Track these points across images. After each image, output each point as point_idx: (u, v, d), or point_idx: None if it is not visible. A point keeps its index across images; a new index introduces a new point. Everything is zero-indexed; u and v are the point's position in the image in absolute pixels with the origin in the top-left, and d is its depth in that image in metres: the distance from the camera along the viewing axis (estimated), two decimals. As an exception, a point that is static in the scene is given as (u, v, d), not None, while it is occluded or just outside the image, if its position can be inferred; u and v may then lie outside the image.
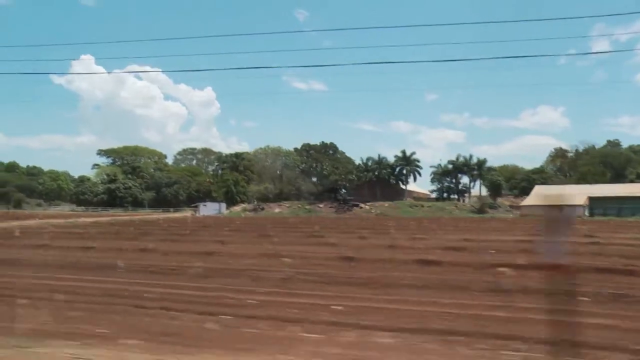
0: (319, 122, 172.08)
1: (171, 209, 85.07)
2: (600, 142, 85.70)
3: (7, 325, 8.33)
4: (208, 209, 69.60)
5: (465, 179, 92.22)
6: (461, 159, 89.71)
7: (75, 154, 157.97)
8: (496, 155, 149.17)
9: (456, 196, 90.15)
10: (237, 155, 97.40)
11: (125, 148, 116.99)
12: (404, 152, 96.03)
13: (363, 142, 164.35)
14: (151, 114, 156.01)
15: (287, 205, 73.09)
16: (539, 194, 60.91)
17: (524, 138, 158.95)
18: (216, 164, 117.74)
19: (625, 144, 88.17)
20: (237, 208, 75.51)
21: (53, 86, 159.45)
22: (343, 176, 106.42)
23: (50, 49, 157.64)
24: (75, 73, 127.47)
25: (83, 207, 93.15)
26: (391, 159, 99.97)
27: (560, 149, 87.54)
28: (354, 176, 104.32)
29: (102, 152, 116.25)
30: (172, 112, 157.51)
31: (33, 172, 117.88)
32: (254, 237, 27.41)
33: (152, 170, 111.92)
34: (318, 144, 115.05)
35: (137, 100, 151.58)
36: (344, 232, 31.29)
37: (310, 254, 18.92)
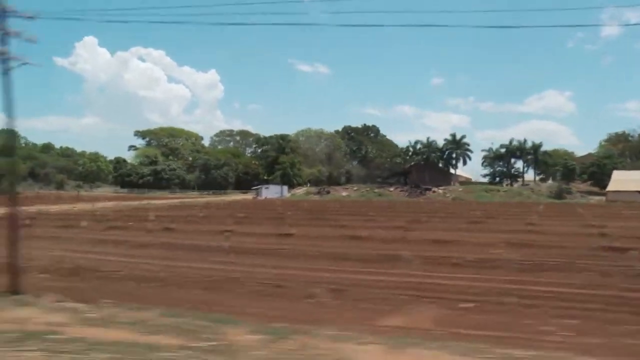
0: (324, 105, 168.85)
1: (221, 192, 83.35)
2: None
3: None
4: (270, 192, 67.78)
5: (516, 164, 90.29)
6: (515, 142, 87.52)
7: (80, 136, 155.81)
8: (500, 139, 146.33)
9: (509, 180, 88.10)
10: (283, 137, 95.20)
11: (162, 129, 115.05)
12: (453, 135, 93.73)
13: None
14: (155, 96, 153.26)
15: (354, 188, 71.08)
16: (620, 180, 58.87)
17: (529, 123, 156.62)
18: (254, 145, 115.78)
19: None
20: (298, 191, 73.63)
21: (56, 68, 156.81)
22: (389, 159, 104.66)
23: (51, 30, 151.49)
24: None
25: (126, 189, 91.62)
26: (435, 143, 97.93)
27: (624, 132, 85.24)
28: (400, 159, 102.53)
29: (138, 134, 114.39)
30: (176, 95, 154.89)
31: (67, 154, 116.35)
32: (417, 224, 25.56)
33: (189, 152, 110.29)
34: (359, 126, 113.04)
35: (141, 82, 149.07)
36: (493, 217, 29.46)
37: (570, 243, 17.19)
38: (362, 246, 16.11)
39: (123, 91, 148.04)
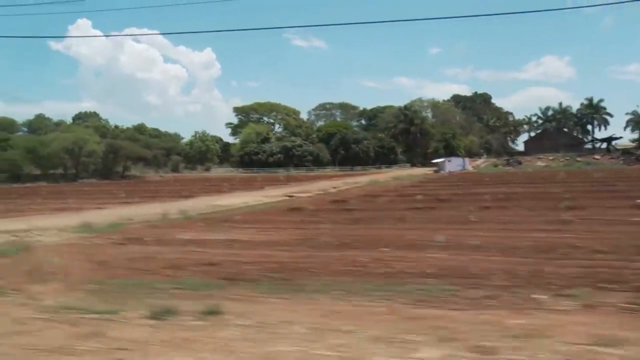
0: (321, 80, 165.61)
1: (366, 168, 78.81)
2: None
3: None
4: (452, 165, 63.57)
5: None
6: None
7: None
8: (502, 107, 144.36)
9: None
10: (408, 108, 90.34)
11: (260, 105, 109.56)
12: (590, 99, 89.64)
13: (366, 98, 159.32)
14: (151, 77, 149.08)
15: (550, 157, 67.03)
16: None
17: (529, 90, 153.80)
18: (358, 119, 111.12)
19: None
20: (476, 163, 69.61)
21: (51, 52, 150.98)
22: (512, 127, 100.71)
23: (44, 12, 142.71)
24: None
25: (252, 169, 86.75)
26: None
27: None
28: (525, 127, 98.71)
29: (237, 110, 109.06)
30: (173, 75, 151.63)
31: (155, 134, 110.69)
32: None
33: (293, 127, 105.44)
34: (469, 94, 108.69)
35: (137, 63, 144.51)
36: None
37: None
38: None
39: (119, 73, 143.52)
